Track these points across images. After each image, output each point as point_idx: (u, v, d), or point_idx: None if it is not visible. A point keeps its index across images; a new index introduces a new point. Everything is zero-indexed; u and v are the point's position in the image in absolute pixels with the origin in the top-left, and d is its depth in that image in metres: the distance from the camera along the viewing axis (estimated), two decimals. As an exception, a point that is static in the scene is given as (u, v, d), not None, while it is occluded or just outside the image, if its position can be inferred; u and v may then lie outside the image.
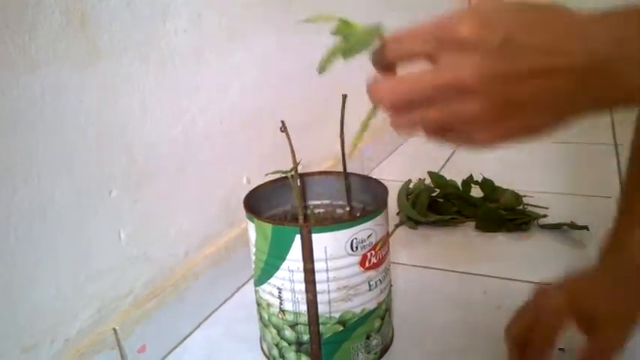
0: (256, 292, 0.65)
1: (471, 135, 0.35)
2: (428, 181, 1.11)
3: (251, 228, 0.61)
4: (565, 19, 0.33)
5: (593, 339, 0.51)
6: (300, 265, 0.58)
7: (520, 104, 0.33)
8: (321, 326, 0.60)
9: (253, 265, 0.64)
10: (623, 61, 0.32)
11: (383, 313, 0.63)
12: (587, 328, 0.52)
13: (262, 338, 0.67)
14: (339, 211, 0.71)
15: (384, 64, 0.36)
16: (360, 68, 0.44)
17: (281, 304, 0.61)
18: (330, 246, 0.57)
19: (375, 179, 0.68)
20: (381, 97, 0.35)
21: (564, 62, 0.32)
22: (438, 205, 1.03)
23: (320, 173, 0.71)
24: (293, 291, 0.59)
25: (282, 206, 0.70)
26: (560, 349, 0.64)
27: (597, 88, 0.33)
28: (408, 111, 0.35)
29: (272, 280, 0.60)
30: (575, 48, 0.32)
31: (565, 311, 0.51)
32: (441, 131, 0.36)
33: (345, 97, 0.63)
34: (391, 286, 0.66)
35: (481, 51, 0.32)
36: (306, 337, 0.61)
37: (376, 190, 0.65)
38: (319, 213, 0.71)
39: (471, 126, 0.34)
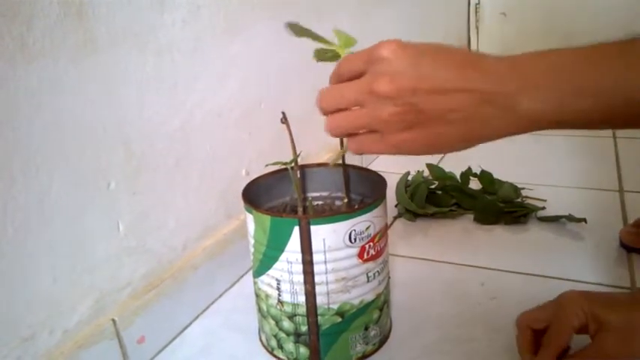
0: (255, 283, 0.65)
1: (384, 136, 0.43)
2: (426, 173, 1.11)
3: (250, 219, 0.61)
4: (467, 55, 0.43)
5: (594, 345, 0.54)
6: (299, 256, 0.58)
7: (426, 114, 0.41)
8: (319, 317, 0.60)
9: (252, 257, 0.64)
10: (523, 90, 0.39)
11: (381, 304, 0.64)
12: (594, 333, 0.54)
13: (261, 329, 0.68)
14: (338, 202, 0.71)
15: (335, 78, 0.48)
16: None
17: (279, 295, 0.61)
18: (329, 238, 0.57)
19: (373, 171, 0.67)
20: (320, 104, 0.47)
21: (465, 85, 0.40)
22: (437, 197, 1.03)
23: (319, 165, 0.71)
24: (291, 282, 0.59)
25: (281, 198, 0.70)
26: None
27: (494, 110, 0.40)
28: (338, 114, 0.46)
29: (270, 272, 0.61)
30: (475, 75, 0.41)
31: (581, 313, 0.54)
32: (360, 133, 0.45)
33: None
34: (389, 277, 0.66)
35: (395, 66, 0.42)
36: (304, 328, 0.61)
37: (375, 182, 0.65)
38: (318, 205, 0.71)
39: (385, 127, 0.43)
